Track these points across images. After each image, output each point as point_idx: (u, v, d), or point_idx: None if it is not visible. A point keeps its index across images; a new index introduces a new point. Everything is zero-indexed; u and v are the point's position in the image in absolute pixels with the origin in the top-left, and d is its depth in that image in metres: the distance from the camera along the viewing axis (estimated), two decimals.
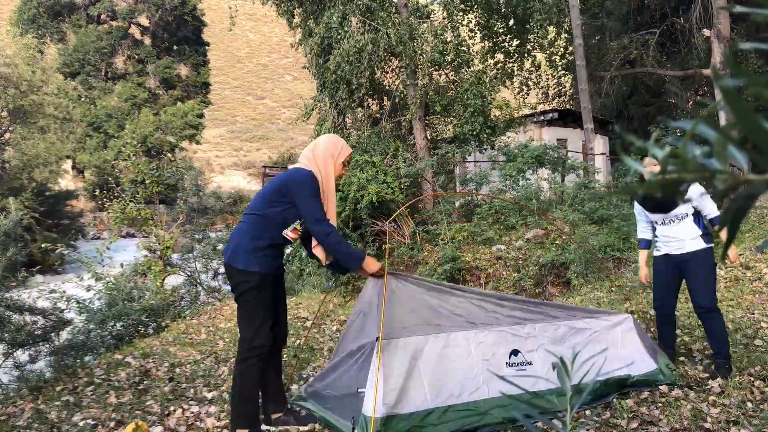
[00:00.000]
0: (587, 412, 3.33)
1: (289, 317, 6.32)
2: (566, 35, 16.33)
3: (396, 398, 2.89)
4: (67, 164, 27.48)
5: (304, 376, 4.41)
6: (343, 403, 3.19)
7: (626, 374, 3.46)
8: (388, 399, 2.86)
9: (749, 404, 3.28)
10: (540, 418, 0.89)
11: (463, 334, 3.22)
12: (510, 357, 3.28)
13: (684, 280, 3.87)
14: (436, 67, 12.19)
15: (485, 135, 11.92)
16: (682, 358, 4.10)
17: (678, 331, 4.69)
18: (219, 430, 3.41)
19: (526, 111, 17.70)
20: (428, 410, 2.94)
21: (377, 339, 2.95)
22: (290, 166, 3.56)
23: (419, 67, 11.89)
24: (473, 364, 3.16)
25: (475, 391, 3.10)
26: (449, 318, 3.34)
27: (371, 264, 3.24)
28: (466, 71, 12.56)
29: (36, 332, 4.81)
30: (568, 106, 19.10)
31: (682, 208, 3.80)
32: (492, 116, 12.60)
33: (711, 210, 3.78)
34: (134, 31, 34.26)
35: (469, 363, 3.16)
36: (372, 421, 2.76)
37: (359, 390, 2.98)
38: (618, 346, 3.54)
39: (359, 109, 13.58)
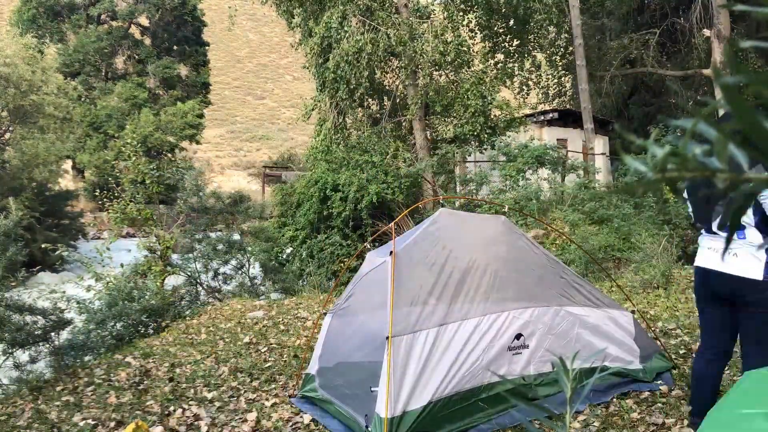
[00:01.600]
0: (587, 411, 3.33)
1: (289, 317, 6.33)
2: (566, 35, 16.33)
3: (408, 395, 2.90)
4: (67, 164, 27.43)
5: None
6: (356, 398, 3.25)
7: (604, 365, 3.51)
8: (401, 397, 2.88)
9: None
10: (538, 415, 0.89)
11: (472, 322, 3.22)
12: (513, 341, 3.32)
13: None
14: (437, 67, 12.19)
15: (485, 135, 11.92)
16: (681, 360, 4.09)
17: (678, 331, 4.66)
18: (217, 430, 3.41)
19: (526, 111, 17.70)
20: (436, 401, 2.97)
21: (387, 338, 2.95)
22: None
23: (419, 67, 11.89)
24: (478, 352, 3.19)
25: (477, 377, 3.15)
26: (457, 300, 3.29)
27: None
28: (466, 71, 12.56)
29: (36, 332, 4.80)
30: (568, 106, 19.10)
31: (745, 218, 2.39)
32: (492, 116, 12.60)
33: None
34: (134, 31, 34.22)
35: (474, 351, 3.18)
36: (385, 422, 2.77)
37: (372, 389, 3.01)
38: (612, 341, 3.58)
39: (359, 109, 13.58)
